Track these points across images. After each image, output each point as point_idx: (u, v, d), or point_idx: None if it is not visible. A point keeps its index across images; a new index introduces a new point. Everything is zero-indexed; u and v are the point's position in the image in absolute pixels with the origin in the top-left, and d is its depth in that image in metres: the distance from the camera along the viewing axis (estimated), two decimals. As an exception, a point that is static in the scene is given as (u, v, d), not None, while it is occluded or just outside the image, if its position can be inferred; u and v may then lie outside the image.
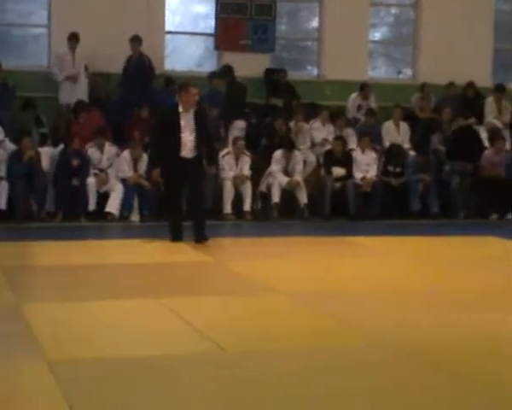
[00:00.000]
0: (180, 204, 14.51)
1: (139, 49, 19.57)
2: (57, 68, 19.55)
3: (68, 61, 19.43)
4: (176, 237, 14.33)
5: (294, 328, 8.97)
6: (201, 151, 14.35)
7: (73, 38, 19.31)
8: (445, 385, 7.00)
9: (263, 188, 18.80)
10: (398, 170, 19.40)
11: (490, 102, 21.42)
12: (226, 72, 20.11)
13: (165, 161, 14.45)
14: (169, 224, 14.50)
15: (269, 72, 20.86)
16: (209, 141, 14.88)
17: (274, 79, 20.83)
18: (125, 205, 17.83)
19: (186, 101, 14.17)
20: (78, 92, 19.43)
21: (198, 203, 14.50)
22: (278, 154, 18.74)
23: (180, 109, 14.18)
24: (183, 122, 14.04)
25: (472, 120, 20.91)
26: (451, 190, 19.47)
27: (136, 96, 19.34)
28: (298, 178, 18.73)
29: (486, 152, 20.07)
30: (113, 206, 17.71)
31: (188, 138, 14.01)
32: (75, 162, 17.70)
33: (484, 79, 21.85)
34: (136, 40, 19.46)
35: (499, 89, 21.52)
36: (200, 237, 14.15)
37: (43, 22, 20.57)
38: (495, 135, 20.34)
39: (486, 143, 20.40)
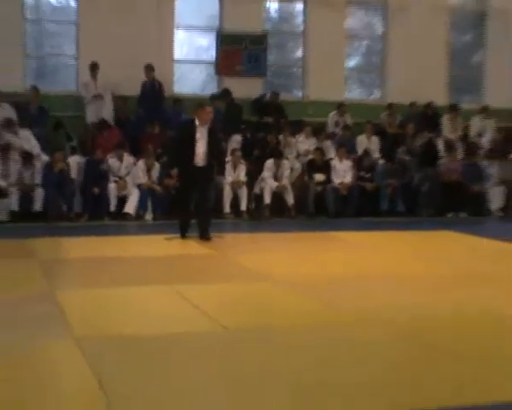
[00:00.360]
0: (190, 205, 14.31)
1: (152, 76, 19.56)
2: (84, 92, 19.52)
3: (91, 87, 19.42)
4: (184, 233, 14.19)
5: (287, 309, 8.98)
6: (211, 161, 14.14)
7: (94, 67, 19.35)
8: (421, 356, 7.06)
9: (256, 191, 18.77)
10: (368, 175, 19.43)
11: (446, 119, 21.46)
12: (225, 94, 20.10)
13: (179, 167, 14.33)
14: (179, 222, 14.33)
15: (256, 100, 20.86)
16: (219, 154, 14.85)
17: (266, 101, 20.79)
18: (141, 206, 17.83)
19: (202, 117, 13.99)
20: (103, 113, 19.46)
21: (204, 206, 14.34)
22: (269, 162, 18.72)
23: (196, 123, 14.01)
24: (198, 135, 13.86)
25: (430, 134, 20.93)
26: (421, 193, 19.46)
27: (149, 114, 19.30)
28: (286, 182, 18.72)
29: (443, 161, 20.09)
30: (130, 207, 17.72)
31: (200, 149, 13.83)
32: (101, 168, 17.83)
33: (441, 100, 21.86)
34: (149, 68, 19.51)
35: (453, 108, 21.59)
36: (204, 235, 14.02)
37: (72, 53, 20.46)
38: (450, 147, 20.38)
39: (442, 154, 20.39)
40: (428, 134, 20.75)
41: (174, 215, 15.17)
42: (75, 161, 18.15)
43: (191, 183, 14.01)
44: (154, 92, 19.69)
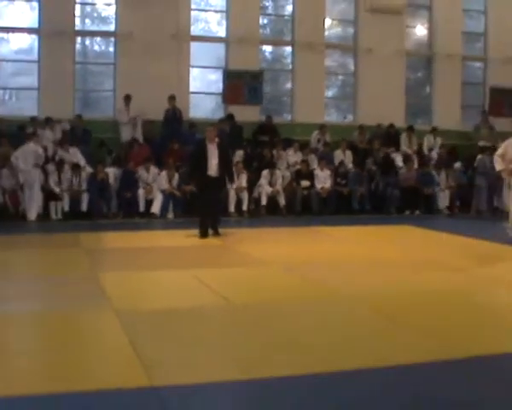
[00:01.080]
0: (207, 208, 13.89)
1: (174, 103, 19.53)
2: (119, 118, 19.57)
3: (124, 113, 19.42)
4: (203, 231, 13.69)
5: (281, 287, 9.04)
6: (223, 172, 13.84)
7: (127, 98, 19.34)
8: (384, 327, 7.03)
9: (255, 195, 18.75)
10: (343, 182, 19.40)
11: (404, 137, 21.42)
12: (229, 118, 20.04)
13: (197, 177, 14.18)
14: (199, 221, 13.86)
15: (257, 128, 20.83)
16: (228, 166, 14.42)
17: (262, 124, 20.77)
18: (164, 207, 17.79)
19: (207, 136, 13.87)
20: (135, 133, 19.51)
21: (216, 207, 14.18)
22: (265, 172, 18.72)
23: (206, 142, 13.87)
24: (209, 151, 13.63)
25: (392, 149, 20.93)
26: (386, 195, 19.47)
27: (170, 135, 19.30)
28: (278, 188, 18.71)
29: (402, 170, 20.06)
30: (156, 208, 17.71)
31: (213, 162, 13.58)
32: (133, 177, 17.92)
33: (400, 122, 21.83)
34: (172, 98, 19.49)
35: (410, 128, 21.55)
36: (215, 231, 13.87)
37: (110, 87, 20.47)
38: (407, 159, 20.35)
39: (401, 164, 20.37)
40: (386, 149, 20.72)
41: (193, 215, 14.96)
42: (112, 172, 18.18)
43: (207, 190, 13.71)
44: (174, 117, 19.67)
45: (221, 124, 18.94)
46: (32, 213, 16.65)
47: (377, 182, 19.66)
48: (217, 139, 13.91)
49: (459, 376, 5.54)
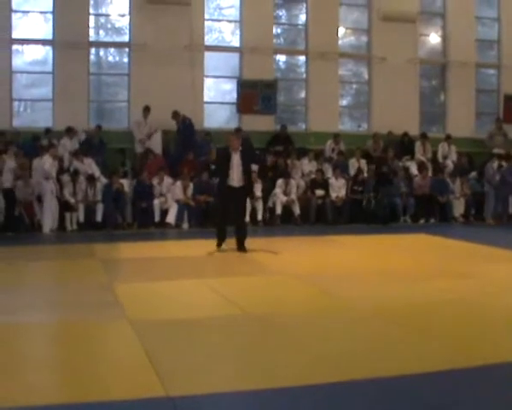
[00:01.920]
0: (227, 220, 13.18)
1: (179, 119, 19.53)
2: (136, 131, 19.59)
3: (143, 126, 19.47)
4: (220, 242, 13.07)
5: (296, 297, 9.02)
6: (246, 182, 13.08)
7: (146, 110, 19.38)
8: (395, 334, 7.04)
9: (270, 204, 18.74)
10: (360, 189, 19.37)
11: (418, 145, 21.36)
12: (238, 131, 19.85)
13: (219, 186, 13.58)
14: (217, 233, 13.11)
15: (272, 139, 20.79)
16: (249, 176, 13.42)
17: (277, 134, 20.79)
18: (179, 217, 17.79)
19: (232, 145, 13.05)
20: (152, 145, 19.53)
21: (242, 223, 13.39)
22: (280, 181, 18.72)
23: (230, 150, 13.08)
24: (233, 160, 12.91)
25: (407, 157, 20.93)
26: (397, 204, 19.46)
27: (185, 145, 19.34)
28: (293, 197, 18.70)
29: (416, 178, 20.02)
30: (171, 218, 17.72)
31: (235, 172, 12.88)
32: (148, 187, 17.94)
33: (414, 130, 21.78)
34: (176, 114, 19.48)
35: (424, 136, 21.49)
36: (241, 249, 12.99)
37: (125, 98, 20.54)
38: (422, 166, 20.33)
39: (416, 172, 20.33)
40: (404, 158, 20.79)
41: (208, 226, 14.76)
42: (128, 183, 18.22)
43: (228, 201, 12.98)
44: (186, 129, 19.63)
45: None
46: (46, 226, 16.67)
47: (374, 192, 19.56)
48: (240, 148, 13.26)
49: (475, 384, 5.51)
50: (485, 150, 21.92)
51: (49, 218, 16.77)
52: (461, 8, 22.93)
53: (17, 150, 17.59)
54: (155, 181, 18.15)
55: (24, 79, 20.32)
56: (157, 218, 17.77)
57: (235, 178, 12.95)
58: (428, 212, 19.38)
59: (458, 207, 19.84)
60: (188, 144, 19.38)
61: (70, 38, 19.23)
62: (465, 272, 10.57)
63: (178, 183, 18.08)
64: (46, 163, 17.19)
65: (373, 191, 19.32)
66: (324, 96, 21.54)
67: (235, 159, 12.99)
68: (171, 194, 17.98)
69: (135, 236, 16.23)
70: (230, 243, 12.97)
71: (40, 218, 16.87)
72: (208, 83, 21.34)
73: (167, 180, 18.27)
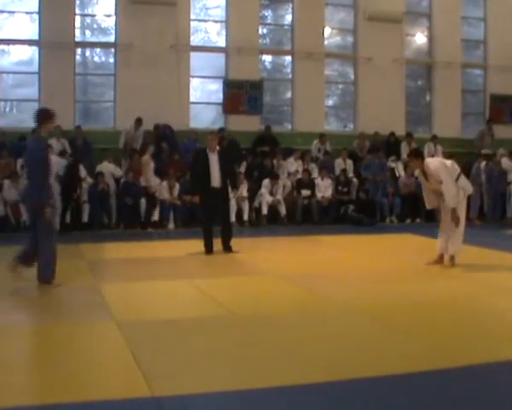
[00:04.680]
0: (212, 224, 13.02)
1: (139, 127, 19.57)
2: (123, 137, 19.55)
3: (131, 135, 19.43)
4: (208, 249, 12.85)
5: (282, 298, 9.04)
6: (226, 182, 13.02)
7: (138, 122, 19.37)
8: (379, 334, 7.11)
9: (256, 204, 18.78)
10: (345, 190, 19.45)
11: (404, 145, 21.38)
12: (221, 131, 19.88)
13: (200, 189, 13.15)
14: (204, 240, 12.92)
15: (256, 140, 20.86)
16: (231, 173, 13.69)
17: (262, 134, 20.85)
18: (164, 217, 17.84)
19: (209, 145, 13.01)
20: (134, 145, 19.51)
21: (227, 224, 13.26)
22: (266, 181, 18.76)
23: (207, 151, 13.01)
24: (211, 161, 12.84)
25: (393, 157, 21.01)
26: (384, 204, 19.52)
27: (170, 147, 19.44)
28: (279, 197, 18.76)
29: (401, 177, 20.07)
30: (156, 216, 17.83)
31: (215, 173, 12.81)
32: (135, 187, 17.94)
33: (400, 130, 21.87)
34: (138, 121, 19.38)
35: (409, 136, 21.57)
36: (226, 249, 12.92)
37: (111, 98, 20.57)
38: (407, 166, 20.34)
39: (402, 172, 20.38)
40: (390, 158, 20.90)
41: (194, 226, 14.71)
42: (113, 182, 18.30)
43: (211, 203, 12.91)
44: (166, 137, 19.73)
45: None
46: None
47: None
48: (218, 148, 13.19)
49: (459, 385, 5.58)
50: (471, 151, 22.00)
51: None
52: (447, 8, 23.05)
53: (3, 150, 17.65)
54: (142, 181, 18.22)
55: (10, 79, 20.32)
56: (143, 218, 17.76)
57: (216, 178, 12.88)
58: (414, 212, 19.44)
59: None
60: (172, 149, 19.44)
61: (56, 38, 19.22)
62: (451, 273, 10.65)
63: (164, 183, 18.10)
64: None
65: (358, 191, 19.47)
66: (310, 97, 21.63)
67: (214, 159, 12.93)
68: (157, 194, 18.02)
69: (121, 236, 16.24)
70: (216, 242, 12.98)
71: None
72: (194, 83, 21.39)
73: (154, 180, 18.31)
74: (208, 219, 13.12)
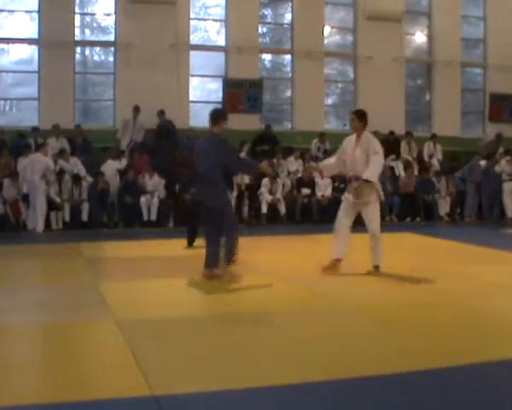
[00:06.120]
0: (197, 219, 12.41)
1: (164, 118, 19.70)
2: (122, 127, 19.67)
3: (130, 124, 19.48)
4: (190, 243, 13.32)
5: (281, 297, 8.98)
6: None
7: (136, 110, 19.45)
8: (380, 333, 7.10)
9: (255, 203, 18.73)
10: (341, 186, 19.39)
11: (403, 144, 21.43)
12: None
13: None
14: (188, 233, 13.42)
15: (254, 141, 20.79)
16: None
17: (262, 133, 20.83)
18: (164, 216, 17.85)
19: None
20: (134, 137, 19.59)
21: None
22: (265, 180, 18.73)
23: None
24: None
25: (392, 156, 20.99)
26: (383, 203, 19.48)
27: (169, 144, 19.38)
28: (279, 196, 18.75)
29: (402, 177, 20.09)
30: (154, 214, 17.88)
31: None
32: (135, 185, 18.02)
33: (400, 129, 21.87)
34: (162, 113, 19.64)
35: (409, 135, 21.59)
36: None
37: (110, 97, 20.55)
38: (407, 165, 20.42)
39: (402, 172, 20.39)
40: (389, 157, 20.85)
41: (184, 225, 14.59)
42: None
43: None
44: (168, 131, 19.69)
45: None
46: (40, 225, 16.62)
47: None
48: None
49: (459, 384, 5.57)
50: (470, 149, 21.99)
51: (40, 217, 16.70)
52: (446, 7, 23.06)
53: (2, 149, 17.64)
54: (142, 179, 18.19)
55: (10, 78, 20.31)
56: (145, 216, 17.81)
57: None
58: (414, 211, 19.44)
59: (444, 207, 19.92)
60: (171, 146, 19.40)
61: (56, 37, 19.21)
62: (451, 272, 10.60)
63: (164, 181, 18.10)
64: (49, 161, 17.20)
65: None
66: (310, 96, 21.63)
67: None
68: (157, 192, 18.01)
69: (120, 235, 16.23)
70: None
71: (26, 217, 16.85)
72: (194, 82, 21.39)
73: (154, 178, 18.29)
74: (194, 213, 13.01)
